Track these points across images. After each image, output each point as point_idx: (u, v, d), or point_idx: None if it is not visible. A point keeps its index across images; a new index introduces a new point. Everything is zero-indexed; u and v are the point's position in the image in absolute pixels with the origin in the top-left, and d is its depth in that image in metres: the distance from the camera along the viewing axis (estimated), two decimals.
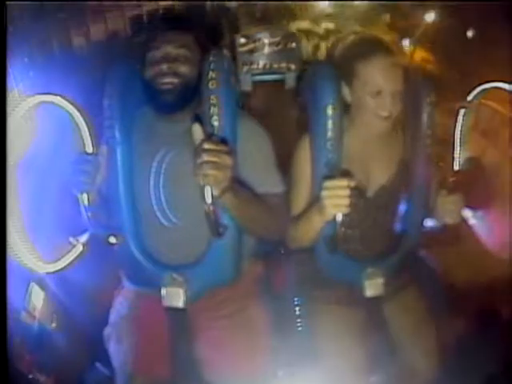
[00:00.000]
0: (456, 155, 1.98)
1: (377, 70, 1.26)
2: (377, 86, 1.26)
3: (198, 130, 1.03)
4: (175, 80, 1.23)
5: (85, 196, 1.17)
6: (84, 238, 1.59)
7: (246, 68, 2.69)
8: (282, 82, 2.74)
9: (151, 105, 1.29)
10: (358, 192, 1.27)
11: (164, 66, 1.23)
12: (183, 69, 1.24)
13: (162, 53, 1.25)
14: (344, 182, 1.10)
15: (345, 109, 1.30)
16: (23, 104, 1.38)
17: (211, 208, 1.04)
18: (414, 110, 1.31)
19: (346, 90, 1.31)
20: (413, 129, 1.34)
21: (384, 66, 1.26)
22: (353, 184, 1.11)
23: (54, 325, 1.46)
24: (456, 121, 1.95)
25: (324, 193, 1.10)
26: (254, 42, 2.68)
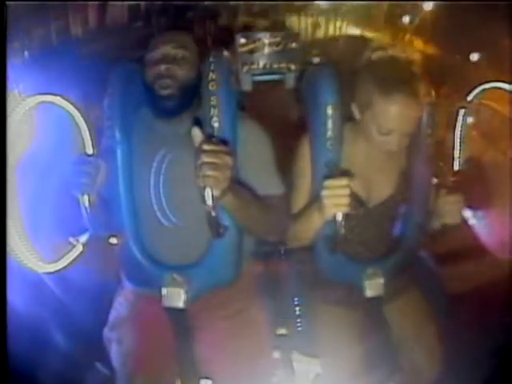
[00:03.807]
0: (456, 155, 1.98)
1: (394, 111, 1.17)
2: (389, 126, 1.20)
3: (197, 133, 1.03)
4: (173, 83, 1.22)
5: (85, 197, 1.17)
6: (84, 238, 1.59)
7: (246, 68, 2.70)
8: (282, 82, 2.74)
9: (150, 108, 1.28)
10: (358, 198, 1.27)
11: (162, 67, 1.22)
12: (181, 71, 1.23)
13: (160, 53, 1.24)
14: (344, 182, 1.10)
15: (350, 117, 1.28)
16: (23, 104, 1.38)
17: (211, 209, 1.04)
18: None
19: (354, 108, 1.27)
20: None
21: (403, 107, 1.17)
22: (353, 183, 1.11)
23: None
24: (456, 121, 1.95)
25: (324, 192, 1.10)
26: (254, 41, 2.68)
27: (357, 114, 1.28)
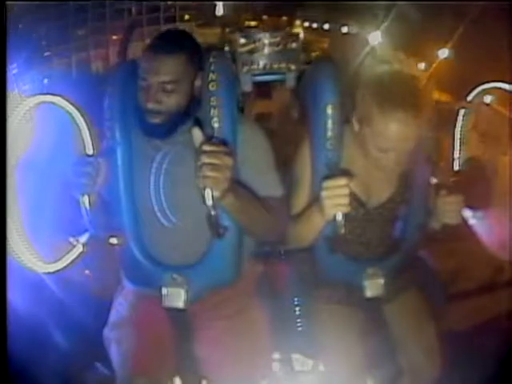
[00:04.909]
0: (456, 155, 1.98)
1: (393, 131, 1.16)
2: (387, 145, 1.19)
3: (197, 133, 1.03)
4: (164, 114, 1.20)
5: (85, 198, 1.16)
6: (84, 238, 1.59)
7: (246, 68, 2.69)
8: (281, 82, 2.74)
9: (142, 129, 1.26)
10: (358, 197, 1.27)
11: (150, 106, 1.20)
12: (172, 101, 1.21)
13: (148, 84, 1.20)
14: (343, 181, 1.09)
15: (350, 119, 1.28)
16: (24, 104, 1.38)
17: (212, 209, 1.04)
18: None
19: (354, 121, 1.26)
20: None
21: (403, 128, 1.15)
22: (352, 183, 1.10)
23: None
24: (456, 121, 1.95)
25: (324, 193, 1.10)
26: (254, 42, 2.69)
27: (356, 127, 1.26)
